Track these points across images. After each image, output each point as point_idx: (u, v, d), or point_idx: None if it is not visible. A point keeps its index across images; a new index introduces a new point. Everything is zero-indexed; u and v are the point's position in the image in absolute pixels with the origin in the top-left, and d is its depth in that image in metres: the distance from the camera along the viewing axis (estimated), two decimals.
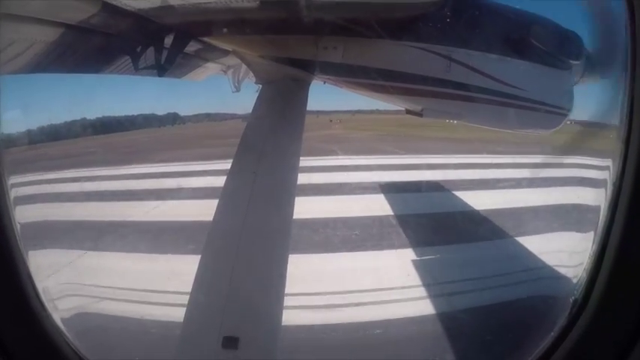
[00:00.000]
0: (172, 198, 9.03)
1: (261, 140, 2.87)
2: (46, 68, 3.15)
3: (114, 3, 2.64)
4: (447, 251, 6.49)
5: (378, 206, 8.30)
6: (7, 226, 1.12)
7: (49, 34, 2.73)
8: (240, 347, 2.41)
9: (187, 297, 2.64)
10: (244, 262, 2.61)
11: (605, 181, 1.00)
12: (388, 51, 3.11)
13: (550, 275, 4.97)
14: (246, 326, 2.51)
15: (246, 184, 2.76)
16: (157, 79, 3.14)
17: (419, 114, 3.36)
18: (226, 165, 2.98)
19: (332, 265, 6.21)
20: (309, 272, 5.62)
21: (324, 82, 3.47)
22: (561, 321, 1.06)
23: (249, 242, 2.66)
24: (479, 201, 8.49)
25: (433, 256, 6.33)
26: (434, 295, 5.23)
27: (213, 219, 2.85)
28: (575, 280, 1.06)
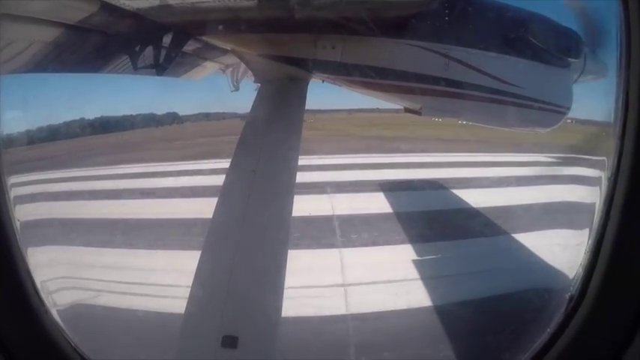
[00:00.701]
0: (171, 196, 9.06)
1: (260, 139, 2.88)
2: (45, 68, 3.16)
3: (112, 2, 2.64)
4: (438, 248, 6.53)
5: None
6: (6, 225, 1.13)
7: (48, 34, 2.74)
8: (239, 346, 2.42)
9: (186, 291, 2.65)
10: (243, 261, 2.62)
11: (599, 178, 1.01)
12: (386, 49, 3.11)
13: (546, 271, 5.00)
14: (245, 325, 2.51)
15: (245, 183, 2.76)
16: (156, 78, 3.15)
17: (417, 112, 3.36)
18: (224, 164, 2.99)
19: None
20: None
21: (323, 81, 3.47)
22: (558, 317, 1.06)
23: (247, 242, 2.66)
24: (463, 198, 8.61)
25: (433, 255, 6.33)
26: (431, 292, 5.24)
27: (212, 218, 2.85)
28: (571, 276, 1.07)
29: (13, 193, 1.22)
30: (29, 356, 1.14)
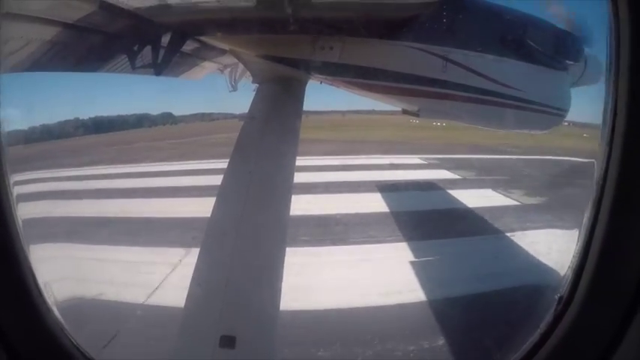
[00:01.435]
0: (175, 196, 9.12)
1: (258, 140, 2.88)
2: (45, 67, 3.15)
3: (111, 2, 2.64)
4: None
5: None
6: (9, 223, 1.13)
7: (47, 33, 2.73)
8: (237, 346, 2.42)
9: (181, 288, 2.65)
10: (241, 261, 2.62)
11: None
12: (385, 51, 3.11)
13: (537, 273, 5.03)
14: (243, 326, 2.52)
15: (243, 183, 2.77)
16: (155, 78, 3.14)
17: (415, 114, 3.37)
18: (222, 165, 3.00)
19: None
20: None
21: (321, 82, 3.47)
22: (547, 317, 1.08)
23: (245, 242, 2.67)
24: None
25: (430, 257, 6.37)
26: (427, 294, 5.26)
27: (210, 218, 2.85)
28: (560, 278, 1.09)
29: (16, 190, 1.22)
30: (32, 354, 1.14)
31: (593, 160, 1.05)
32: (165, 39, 2.99)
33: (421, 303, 5.13)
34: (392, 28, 3.02)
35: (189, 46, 3.22)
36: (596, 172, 0.99)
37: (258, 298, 2.66)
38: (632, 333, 0.98)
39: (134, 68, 3.06)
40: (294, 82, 3.15)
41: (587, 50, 3.31)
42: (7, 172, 1.20)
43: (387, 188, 9.60)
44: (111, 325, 4.60)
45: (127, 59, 3.12)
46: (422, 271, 5.83)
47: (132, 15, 2.78)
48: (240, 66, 3.60)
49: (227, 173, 2.91)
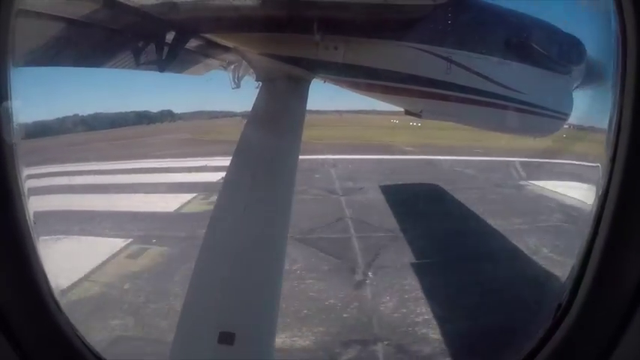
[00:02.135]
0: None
1: (260, 138, 2.89)
2: (51, 62, 3.16)
3: None
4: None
5: None
6: (21, 221, 1.12)
7: (57, 29, 2.74)
8: (236, 342, 2.44)
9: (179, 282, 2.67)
10: (240, 258, 2.64)
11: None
12: (389, 52, 3.12)
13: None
14: (243, 322, 2.53)
15: (245, 181, 2.78)
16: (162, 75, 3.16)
17: (418, 115, 3.38)
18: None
19: None
20: None
21: (325, 82, 3.48)
22: (546, 324, 1.10)
23: (245, 239, 2.68)
24: None
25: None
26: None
27: (212, 215, 2.87)
28: (560, 286, 1.10)
29: (28, 184, 1.21)
30: (43, 354, 1.14)
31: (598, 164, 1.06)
32: (170, 36, 3.00)
33: None
34: (396, 29, 3.03)
35: (193, 43, 3.23)
36: (600, 180, 1.00)
37: (258, 294, 2.67)
38: (629, 339, 1.00)
39: (139, 65, 3.08)
40: (297, 80, 3.15)
41: (590, 54, 3.30)
42: (20, 167, 1.19)
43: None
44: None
45: (131, 55, 3.13)
46: None
47: (137, 11, 2.80)
48: (244, 63, 3.61)
49: (229, 171, 2.92)
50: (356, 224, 7.67)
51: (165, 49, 3.02)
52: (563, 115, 3.40)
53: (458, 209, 8.21)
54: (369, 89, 3.36)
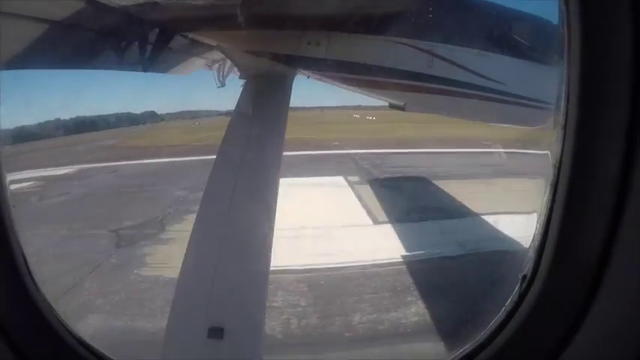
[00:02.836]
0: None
1: (245, 134, 2.90)
2: (33, 65, 3.16)
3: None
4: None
5: None
6: (6, 222, 1.12)
7: (39, 31, 2.73)
8: (225, 337, 2.46)
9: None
10: (229, 253, 2.65)
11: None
12: (371, 46, 3.13)
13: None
14: (231, 317, 2.55)
15: (231, 176, 2.79)
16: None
17: (401, 108, 3.40)
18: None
19: None
20: None
21: (308, 77, 3.50)
22: (512, 296, 1.12)
23: (233, 234, 2.70)
24: None
25: None
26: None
27: (199, 210, 2.88)
28: (523, 258, 1.13)
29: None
30: (37, 351, 1.15)
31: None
32: (153, 35, 3.00)
33: None
34: (378, 23, 3.05)
35: (176, 42, 3.23)
36: (553, 155, 1.03)
37: (247, 289, 2.69)
38: (596, 305, 1.02)
39: (122, 65, 3.08)
40: (281, 77, 3.16)
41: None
42: (3, 171, 1.20)
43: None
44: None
45: (114, 56, 3.13)
46: None
47: (119, 12, 2.80)
48: (228, 61, 3.61)
49: (215, 167, 2.93)
50: None
51: (149, 48, 3.02)
52: (548, 106, 3.41)
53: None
54: (352, 84, 3.38)
